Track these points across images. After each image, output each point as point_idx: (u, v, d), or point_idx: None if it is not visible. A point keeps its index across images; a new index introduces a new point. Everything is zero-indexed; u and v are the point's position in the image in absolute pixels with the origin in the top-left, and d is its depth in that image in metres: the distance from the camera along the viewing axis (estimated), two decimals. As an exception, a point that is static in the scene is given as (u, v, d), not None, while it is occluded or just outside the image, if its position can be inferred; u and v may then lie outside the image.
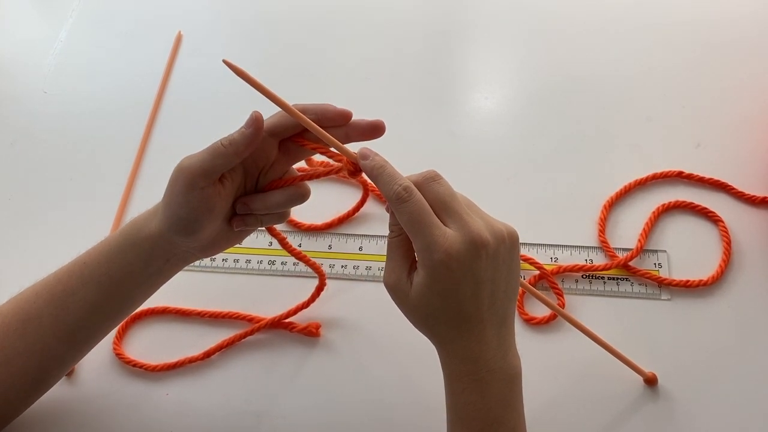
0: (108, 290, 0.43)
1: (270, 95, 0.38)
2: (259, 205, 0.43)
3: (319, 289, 0.54)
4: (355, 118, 0.42)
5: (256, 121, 0.39)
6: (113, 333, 0.53)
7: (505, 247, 0.37)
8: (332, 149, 0.41)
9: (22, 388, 0.45)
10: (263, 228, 0.46)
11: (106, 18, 0.79)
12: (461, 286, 0.35)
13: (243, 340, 0.53)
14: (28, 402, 0.47)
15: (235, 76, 0.37)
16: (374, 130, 0.42)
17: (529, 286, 0.44)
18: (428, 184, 0.37)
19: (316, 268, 0.53)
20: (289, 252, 0.49)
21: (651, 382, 0.49)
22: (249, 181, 0.43)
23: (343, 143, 0.40)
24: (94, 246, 0.44)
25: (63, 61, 0.76)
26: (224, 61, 0.37)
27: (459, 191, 0.39)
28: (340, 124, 0.41)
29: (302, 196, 0.44)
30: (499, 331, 0.37)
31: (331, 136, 0.39)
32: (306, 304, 0.54)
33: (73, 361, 0.47)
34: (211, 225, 0.41)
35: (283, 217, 0.46)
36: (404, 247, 0.38)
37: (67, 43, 0.77)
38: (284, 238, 0.49)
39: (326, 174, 0.42)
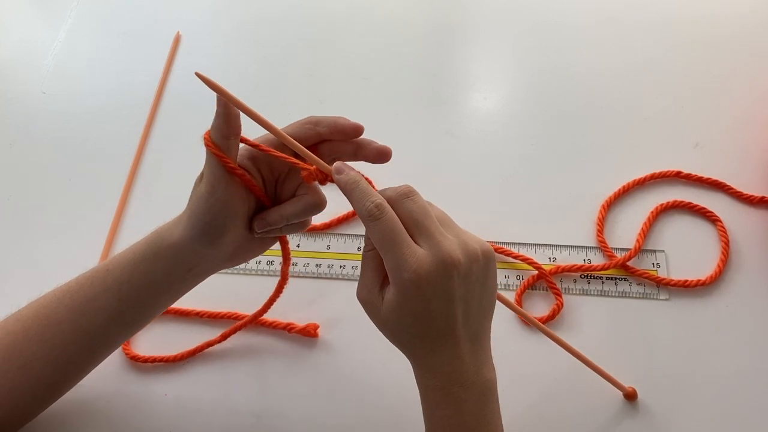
0: (129, 298, 0.43)
1: (244, 108, 0.38)
2: (275, 218, 0.42)
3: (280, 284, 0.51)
4: (362, 132, 0.41)
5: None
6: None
7: (478, 265, 0.36)
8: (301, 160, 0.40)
9: (36, 394, 0.44)
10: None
11: (104, 18, 0.79)
12: (432, 305, 0.35)
13: (242, 341, 0.53)
14: (41, 408, 0.46)
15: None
16: (382, 155, 0.41)
17: (511, 302, 0.43)
18: (402, 200, 0.36)
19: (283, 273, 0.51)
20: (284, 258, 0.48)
21: (630, 397, 0.49)
22: (267, 189, 0.43)
23: (351, 161, 0.40)
24: (119, 253, 0.44)
25: (61, 61, 0.76)
26: (197, 74, 0.37)
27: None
28: (352, 137, 0.41)
29: (318, 206, 0.43)
30: (473, 346, 0.37)
31: (305, 149, 0.39)
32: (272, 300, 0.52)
33: (89, 368, 0.47)
34: (234, 231, 0.41)
35: (303, 225, 0.45)
36: (377, 261, 0.37)
37: (66, 44, 0.77)
38: (288, 253, 0.48)
39: (295, 163, 0.40)
